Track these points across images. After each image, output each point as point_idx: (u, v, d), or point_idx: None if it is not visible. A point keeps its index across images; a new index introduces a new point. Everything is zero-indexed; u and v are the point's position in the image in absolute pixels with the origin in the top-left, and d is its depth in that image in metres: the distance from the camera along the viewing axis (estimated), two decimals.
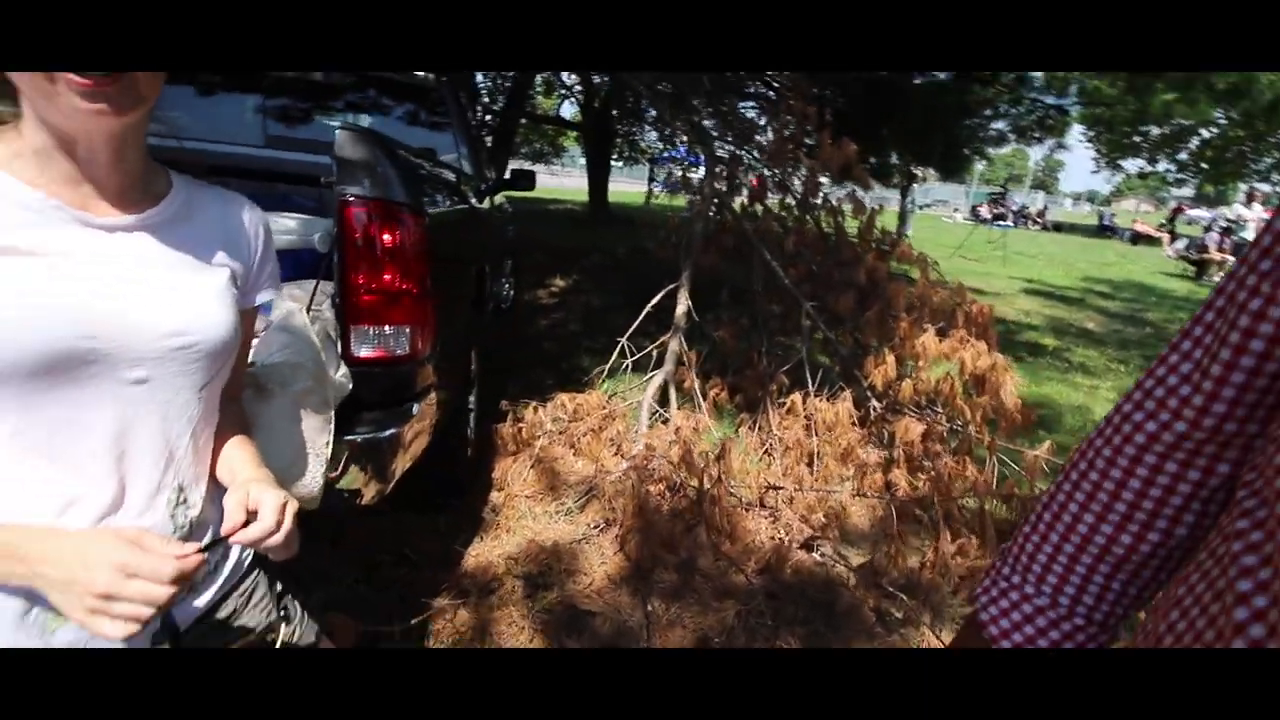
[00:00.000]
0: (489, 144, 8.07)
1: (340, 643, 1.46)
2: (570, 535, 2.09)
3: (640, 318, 3.25)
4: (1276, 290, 0.36)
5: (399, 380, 1.39)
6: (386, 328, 1.31)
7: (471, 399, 2.50)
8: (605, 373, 3.21)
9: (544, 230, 10.00)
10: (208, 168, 1.42)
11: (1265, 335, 0.37)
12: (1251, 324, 0.38)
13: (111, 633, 0.49)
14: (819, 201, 4.08)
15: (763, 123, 6.86)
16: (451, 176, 2.47)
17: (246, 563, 0.73)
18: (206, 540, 0.60)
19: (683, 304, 3.38)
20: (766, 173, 4.56)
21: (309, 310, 1.11)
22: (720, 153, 5.05)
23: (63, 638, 0.56)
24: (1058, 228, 24.14)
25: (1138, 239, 18.73)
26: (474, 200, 2.73)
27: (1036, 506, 0.54)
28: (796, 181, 4.19)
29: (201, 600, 0.66)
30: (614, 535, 2.08)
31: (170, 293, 0.61)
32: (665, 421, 2.59)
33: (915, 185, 11.61)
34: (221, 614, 0.69)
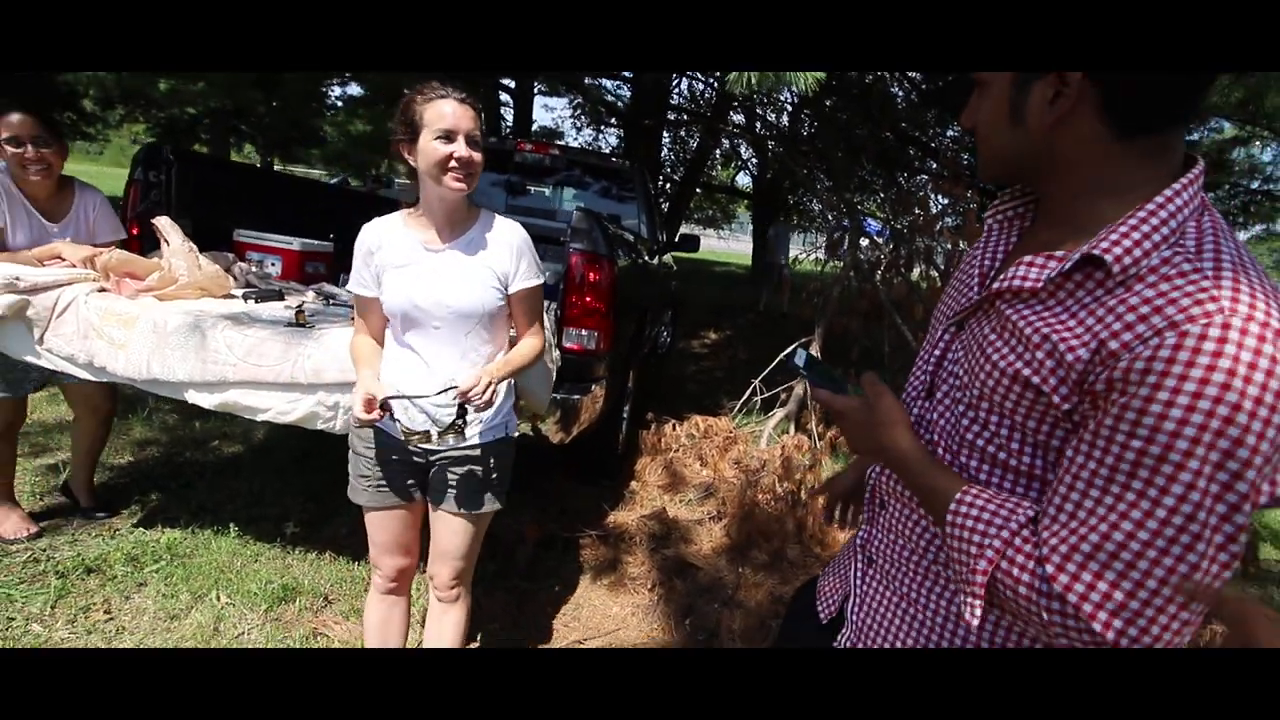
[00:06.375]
0: (665, 209, 9.18)
1: (530, 534, 2.17)
2: (688, 517, 2.64)
3: (772, 365, 3.75)
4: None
5: (585, 366, 2.12)
6: (583, 330, 2.06)
7: (625, 410, 3.19)
8: (738, 408, 3.75)
9: (707, 289, 10.87)
10: None
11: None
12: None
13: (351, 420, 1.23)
14: None
15: (919, 196, 7.07)
16: (631, 238, 3.26)
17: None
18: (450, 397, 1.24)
19: (812, 351, 3.83)
20: (914, 245, 4.85)
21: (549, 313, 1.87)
22: (872, 224, 5.44)
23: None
24: None
25: None
26: (646, 258, 3.50)
27: None
28: (939, 256, 4.46)
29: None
30: (723, 524, 2.59)
31: (453, 283, 1.27)
32: (779, 445, 3.05)
33: None
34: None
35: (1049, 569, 0.53)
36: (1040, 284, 0.59)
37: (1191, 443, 0.48)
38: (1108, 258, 0.55)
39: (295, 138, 16.27)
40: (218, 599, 1.91)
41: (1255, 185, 5.33)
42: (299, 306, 2.06)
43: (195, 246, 2.10)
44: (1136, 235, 0.55)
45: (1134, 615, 0.50)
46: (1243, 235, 6.50)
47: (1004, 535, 0.57)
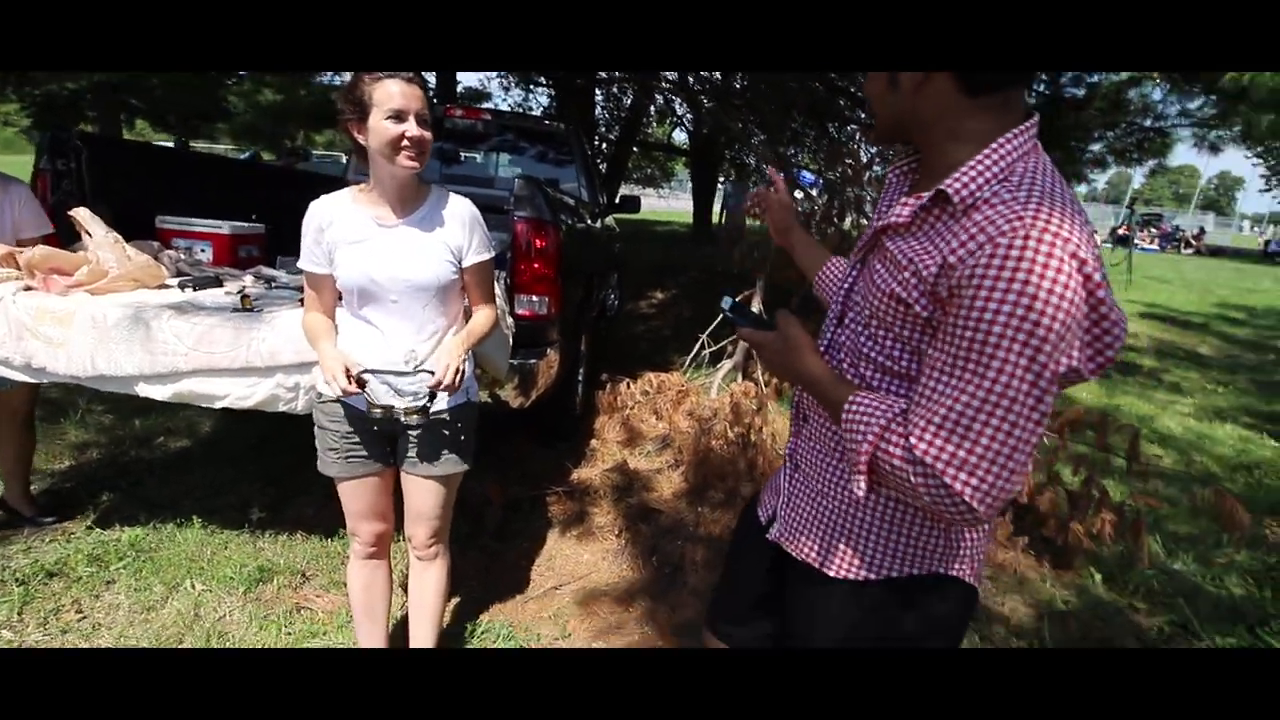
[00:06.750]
0: (603, 170, 9.10)
1: (495, 496, 2.27)
2: (648, 467, 2.79)
3: (718, 320, 3.89)
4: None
5: (538, 331, 2.19)
6: (534, 297, 2.12)
7: (580, 372, 3.28)
8: (688, 362, 3.90)
9: (650, 249, 10.91)
10: None
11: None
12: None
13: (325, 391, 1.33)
14: None
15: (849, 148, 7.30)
16: (573, 202, 3.28)
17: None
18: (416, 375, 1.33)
19: (755, 306, 4.00)
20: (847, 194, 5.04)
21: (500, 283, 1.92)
22: (807, 176, 5.60)
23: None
24: (1216, 252, 21.74)
25: None
26: (588, 221, 3.54)
27: None
28: (869, 205, 4.67)
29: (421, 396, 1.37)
30: (680, 470, 2.75)
31: (409, 258, 1.31)
32: (729, 394, 3.21)
33: None
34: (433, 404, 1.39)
35: (913, 440, 0.68)
36: (908, 218, 0.73)
37: (1003, 327, 0.62)
38: (949, 191, 0.69)
39: (197, 111, 15.03)
40: (193, 587, 1.93)
41: (1148, 123, 5.76)
42: (242, 291, 2.04)
43: (120, 237, 2.02)
44: (973, 174, 0.68)
45: (973, 468, 0.64)
46: (1138, 171, 7.00)
47: (881, 422, 0.71)
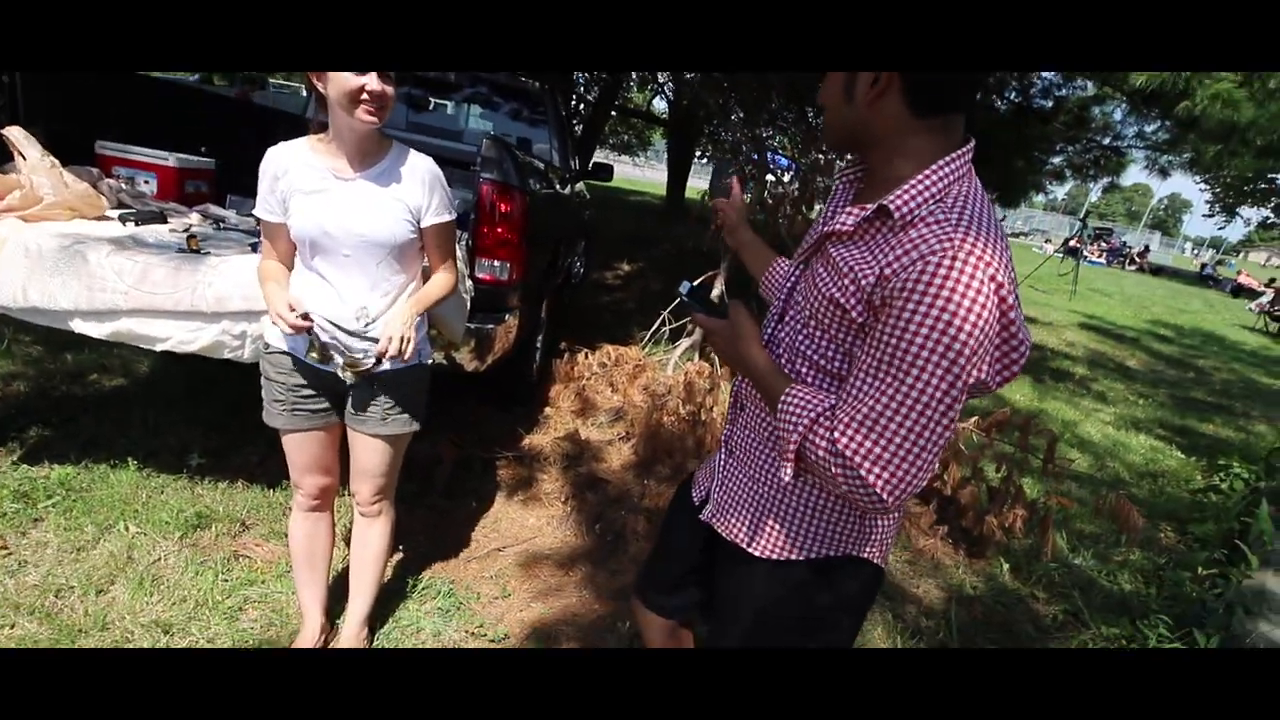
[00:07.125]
0: (578, 133, 8.91)
1: (447, 456, 2.29)
2: (599, 438, 2.85)
3: (679, 299, 3.93)
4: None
5: (498, 296, 2.19)
6: (495, 261, 2.11)
7: (539, 340, 3.29)
8: (648, 337, 3.94)
9: (622, 218, 10.82)
10: None
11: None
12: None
13: (273, 341, 1.35)
14: None
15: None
16: (542, 166, 3.23)
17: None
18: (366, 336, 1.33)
19: (718, 288, 4.05)
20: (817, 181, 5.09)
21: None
22: (784, 160, 5.64)
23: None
24: (1157, 271, 22.93)
25: (1239, 291, 17.66)
26: (557, 186, 3.50)
27: None
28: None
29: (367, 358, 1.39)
30: (631, 444, 2.81)
31: (364, 212, 1.29)
32: (684, 371, 3.28)
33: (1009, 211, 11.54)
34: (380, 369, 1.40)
35: (835, 434, 0.73)
36: (851, 228, 0.78)
37: (924, 339, 0.67)
38: (891, 208, 0.73)
39: None
40: (126, 529, 1.90)
41: (1106, 141, 6.00)
42: (188, 230, 1.96)
43: (57, 161, 1.91)
44: (913, 193, 0.73)
45: (886, 463, 0.71)
46: (1095, 186, 7.29)
47: (811, 415, 0.77)
